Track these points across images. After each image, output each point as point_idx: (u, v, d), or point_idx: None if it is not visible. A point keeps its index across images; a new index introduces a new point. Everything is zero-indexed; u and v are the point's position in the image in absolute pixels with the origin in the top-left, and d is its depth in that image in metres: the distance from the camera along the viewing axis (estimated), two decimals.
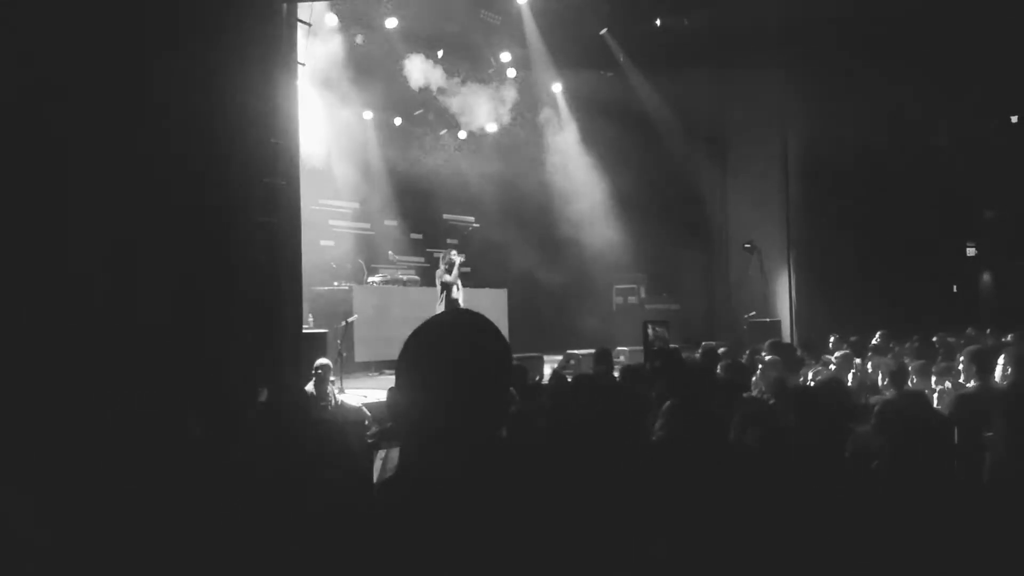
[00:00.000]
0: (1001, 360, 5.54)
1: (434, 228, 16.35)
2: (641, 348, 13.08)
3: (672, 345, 11.30)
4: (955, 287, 19.12)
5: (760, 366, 7.01)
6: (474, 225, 16.73)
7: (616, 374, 7.21)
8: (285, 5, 7.76)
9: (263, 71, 7.18)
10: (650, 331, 12.73)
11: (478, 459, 1.44)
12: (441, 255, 12.98)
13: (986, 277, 19.97)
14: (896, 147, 16.31)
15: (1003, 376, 5.42)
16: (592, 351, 9.72)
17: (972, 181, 17.87)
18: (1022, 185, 18.00)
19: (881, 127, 15.85)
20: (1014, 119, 18.91)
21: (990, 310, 17.81)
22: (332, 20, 13.26)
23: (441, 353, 1.48)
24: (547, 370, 11.52)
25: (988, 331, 11.39)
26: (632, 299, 17.35)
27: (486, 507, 1.39)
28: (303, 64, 8.39)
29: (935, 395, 5.65)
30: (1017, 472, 3.46)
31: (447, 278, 12.31)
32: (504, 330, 14.48)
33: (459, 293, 12.47)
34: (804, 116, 16.25)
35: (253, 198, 7.09)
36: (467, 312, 1.59)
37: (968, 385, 5.36)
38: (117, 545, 2.89)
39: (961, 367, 5.60)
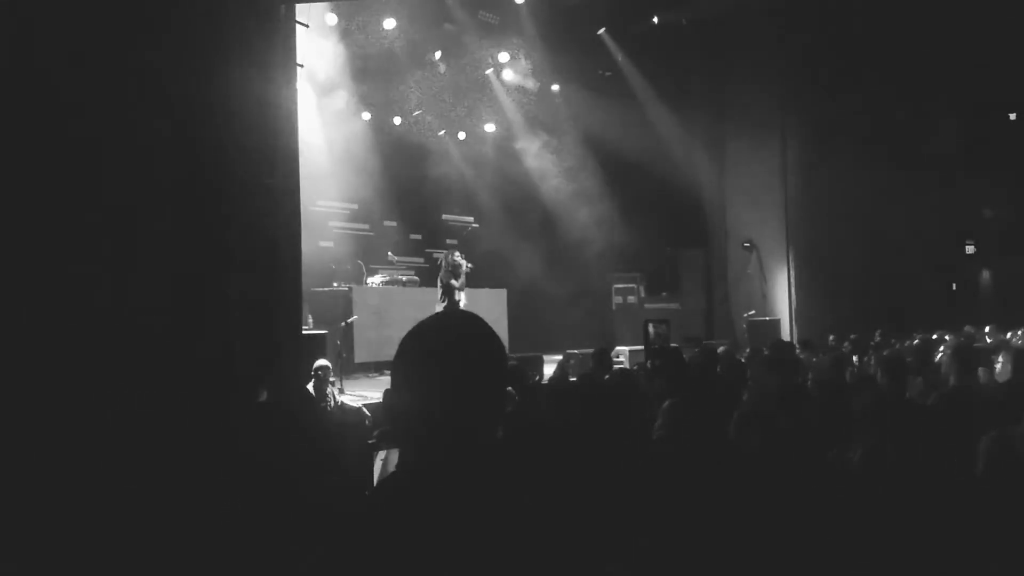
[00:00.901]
0: (1001, 358, 5.54)
1: (433, 228, 16.37)
2: (641, 347, 13.10)
3: (672, 344, 11.31)
4: (954, 285, 19.14)
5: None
6: (473, 225, 16.74)
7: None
8: (283, 6, 7.76)
9: (261, 72, 7.18)
10: (651, 329, 12.75)
11: (475, 459, 1.45)
12: (443, 256, 12.63)
13: (985, 275, 19.99)
14: (895, 144, 16.32)
15: (1003, 373, 5.42)
16: (591, 350, 9.72)
17: (971, 179, 17.88)
18: (1021, 183, 18.02)
19: (879, 125, 15.87)
20: (1012, 116, 18.94)
21: (989, 308, 17.82)
22: (331, 21, 13.27)
23: (435, 354, 1.49)
24: (547, 370, 11.53)
25: (987, 329, 11.41)
26: (631, 298, 17.35)
27: (484, 506, 1.40)
28: (301, 66, 8.40)
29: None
30: None
31: (454, 282, 12.00)
32: (503, 330, 14.54)
33: (461, 295, 12.33)
34: (802, 114, 16.26)
35: (252, 200, 7.09)
36: (461, 313, 1.61)
37: (950, 382, 5.28)
38: (117, 544, 2.90)
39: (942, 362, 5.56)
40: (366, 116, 15.09)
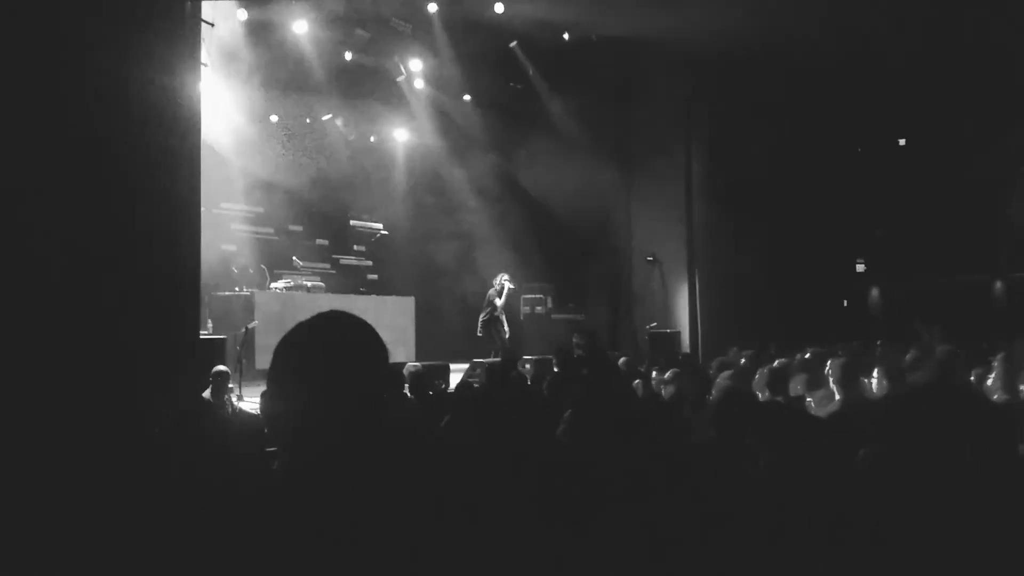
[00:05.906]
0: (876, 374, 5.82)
1: (340, 234, 16.20)
2: (548, 357, 13.20)
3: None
4: (845, 301, 19.99)
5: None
6: (382, 232, 16.63)
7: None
8: (188, 4, 7.59)
9: (164, 71, 7.00)
10: (575, 340, 12.87)
11: (347, 457, 1.45)
12: (504, 280, 13.56)
13: (874, 292, 20.94)
14: (793, 168, 16.98)
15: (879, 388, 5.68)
16: (498, 360, 9.77)
17: (862, 201, 18.75)
18: (909, 205, 18.99)
19: (779, 149, 16.48)
20: (902, 142, 19.94)
21: (877, 323, 18.69)
22: (238, 21, 13.01)
23: (305, 356, 1.49)
24: (453, 379, 11.52)
25: (878, 343, 11.96)
26: (540, 309, 17.50)
27: (348, 507, 1.40)
28: (206, 65, 8.22)
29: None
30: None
31: (498, 302, 12.02)
32: (411, 339, 14.37)
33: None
34: (707, 134, 16.73)
35: (152, 200, 6.90)
36: (339, 314, 1.59)
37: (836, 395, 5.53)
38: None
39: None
40: (274, 118, 14.85)
